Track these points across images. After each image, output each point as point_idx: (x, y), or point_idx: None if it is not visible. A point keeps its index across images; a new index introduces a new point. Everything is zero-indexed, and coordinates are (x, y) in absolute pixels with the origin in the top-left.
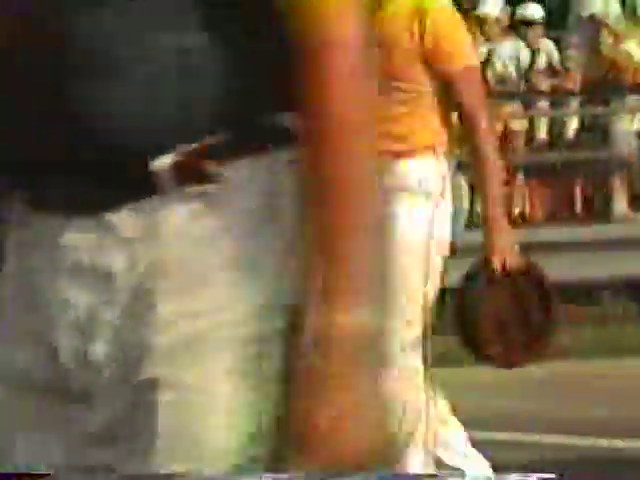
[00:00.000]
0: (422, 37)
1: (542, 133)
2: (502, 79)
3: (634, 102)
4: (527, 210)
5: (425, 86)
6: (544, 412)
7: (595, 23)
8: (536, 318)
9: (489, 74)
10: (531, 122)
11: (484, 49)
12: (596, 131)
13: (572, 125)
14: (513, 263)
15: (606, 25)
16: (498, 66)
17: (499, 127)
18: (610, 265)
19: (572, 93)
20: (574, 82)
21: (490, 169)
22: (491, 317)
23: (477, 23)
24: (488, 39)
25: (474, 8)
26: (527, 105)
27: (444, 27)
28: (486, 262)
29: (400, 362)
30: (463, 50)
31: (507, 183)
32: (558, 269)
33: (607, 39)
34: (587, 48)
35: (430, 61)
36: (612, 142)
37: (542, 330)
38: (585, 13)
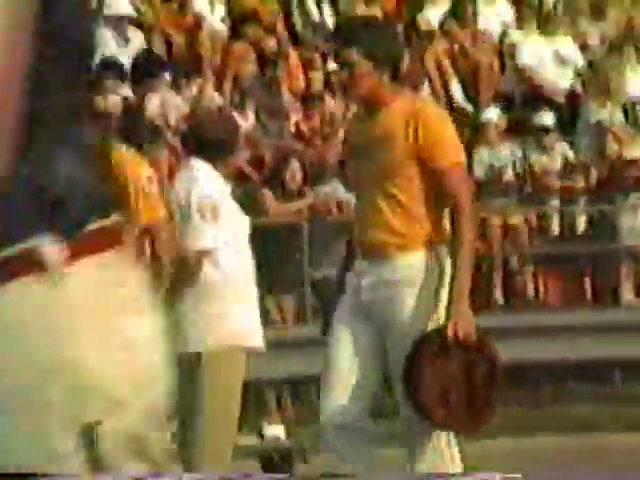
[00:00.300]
0: (416, 136)
1: (555, 226)
2: (501, 180)
3: (636, 200)
4: (540, 297)
5: (420, 182)
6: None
7: (601, 129)
8: (480, 393)
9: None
10: (544, 217)
11: (501, 152)
12: (604, 226)
13: (582, 220)
14: (466, 336)
15: (611, 131)
16: (496, 168)
17: (499, 221)
18: (620, 348)
19: (580, 192)
20: (585, 180)
21: (464, 258)
22: (437, 383)
23: (479, 129)
24: (488, 144)
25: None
26: (541, 202)
27: (435, 127)
28: (440, 330)
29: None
30: (452, 148)
31: (519, 273)
32: (578, 350)
33: (612, 144)
34: (594, 151)
35: (422, 158)
36: (619, 236)
37: (484, 405)
38: (593, 120)
